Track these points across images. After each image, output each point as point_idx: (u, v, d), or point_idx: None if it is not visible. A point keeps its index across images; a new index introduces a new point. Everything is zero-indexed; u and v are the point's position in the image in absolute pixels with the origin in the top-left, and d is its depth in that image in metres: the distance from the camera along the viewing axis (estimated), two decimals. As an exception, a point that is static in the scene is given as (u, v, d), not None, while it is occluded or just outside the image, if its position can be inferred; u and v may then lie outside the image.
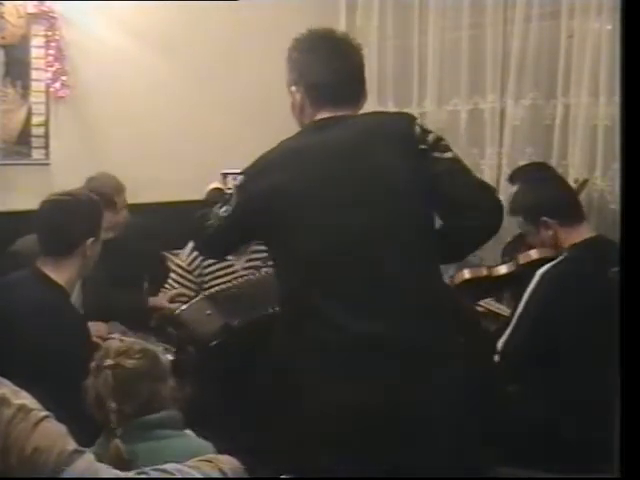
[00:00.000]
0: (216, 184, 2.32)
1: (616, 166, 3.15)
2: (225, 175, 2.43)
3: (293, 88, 1.94)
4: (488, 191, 1.91)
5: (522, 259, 2.73)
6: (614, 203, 3.19)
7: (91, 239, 2.27)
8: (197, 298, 2.99)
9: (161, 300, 3.13)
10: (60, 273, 2.23)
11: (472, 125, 3.74)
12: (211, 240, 1.97)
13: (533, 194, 2.64)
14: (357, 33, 4.14)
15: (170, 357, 2.27)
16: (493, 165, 3.65)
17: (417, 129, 1.84)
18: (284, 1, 4.00)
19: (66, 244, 2.25)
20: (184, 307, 2.92)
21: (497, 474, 2.21)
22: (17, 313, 2.13)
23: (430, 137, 1.84)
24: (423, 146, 1.82)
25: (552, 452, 2.23)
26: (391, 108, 4.00)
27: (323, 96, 1.89)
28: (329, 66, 1.90)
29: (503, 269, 2.82)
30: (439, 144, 1.85)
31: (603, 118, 3.21)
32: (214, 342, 2.80)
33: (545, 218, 2.51)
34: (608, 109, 3.18)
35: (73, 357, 2.10)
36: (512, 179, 3.28)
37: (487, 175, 3.67)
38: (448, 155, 1.84)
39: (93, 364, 1.75)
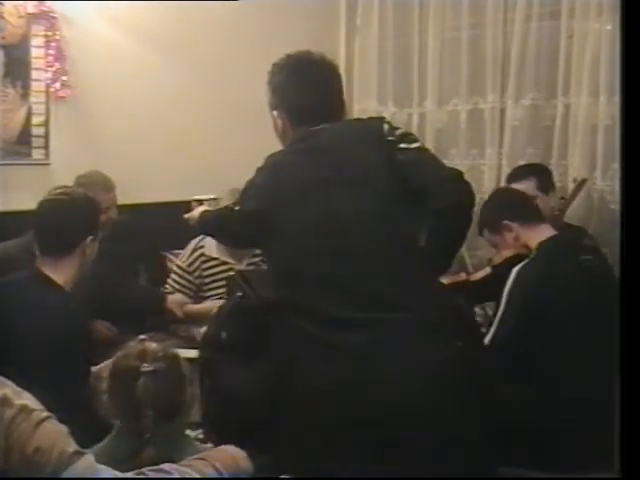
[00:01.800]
0: (204, 207, 2.51)
1: (616, 166, 3.15)
2: (200, 201, 2.52)
3: (275, 112, 2.05)
4: (455, 174, 1.95)
5: (496, 260, 2.83)
6: (614, 203, 3.19)
7: (90, 237, 2.28)
8: (213, 285, 3.02)
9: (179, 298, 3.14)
10: (60, 273, 2.23)
11: (472, 125, 3.74)
12: (231, 231, 2.15)
13: (490, 205, 2.81)
14: (357, 33, 4.16)
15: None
16: (493, 165, 3.65)
17: (385, 126, 1.95)
18: (285, 1, 4.00)
19: (66, 244, 2.25)
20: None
21: (497, 474, 2.21)
22: (18, 314, 2.13)
23: (398, 132, 1.94)
24: (390, 138, 1.92)
25: (552, 452, 2.23)
26: (391, 108, 4.01)
27: (304, 118, 2.00)
28: (308, 89, 2.01)
29: (480, 273, 2.96)
30: (406, 137, 1.95)
31: (603, 118, 3.21)
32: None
33: (506, 221, 2.63)
34: (608, 109, 3.18)
35: (75, 357, 2.11)
36: (509, 180, 3.29)
37: (487, 175, 3.68)
38: (415, 145, 1.93)
39: (120, 366, 1.68)
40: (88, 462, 1.38)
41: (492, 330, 2.46)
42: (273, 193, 1.93)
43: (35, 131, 3.50)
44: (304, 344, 1.82)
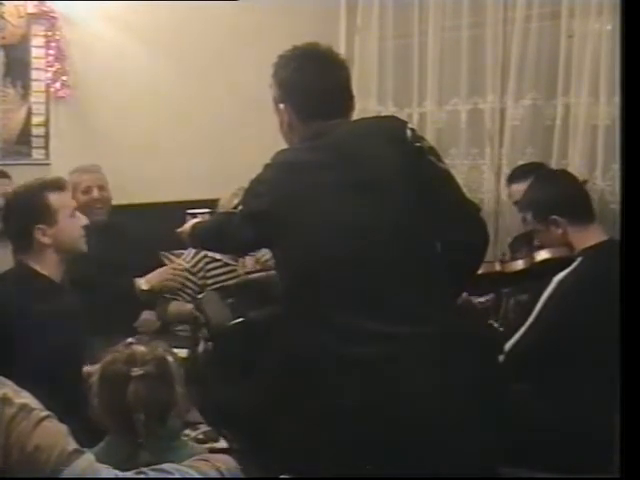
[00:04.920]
0: (198, 219, 2.43)
1: (616, 166, 3.15)
2: (194, 215, 2.51)
3: (281, 105, 1.96)
4: (477, 209, 1.97)
5: (537, 257, 2.66)
6: (614, 203, 3.19)
7: (40, 226, 2.25)
8: (215, 287, 3.00)
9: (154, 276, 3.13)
10: (41, 263, 2.26)
11: (472, 125, 3.74)
12: (231, 235, 2.01)
13: (544, 190, 2.58)
14: (357, 33, 4.16)
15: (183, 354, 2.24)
16: (493, 165, 3.65)
17: (409, 131, 1.87)
18: (285, 1, 4.00)
19: (19, 237, 2.28)
20: (205, 293, 2.89)
21: (497, 474, 2.21)
22: (8, 310, 2.15)
23: (424, 142, 1.89)
24: (418, 144, 1.86)
25: (552, 452, 2.23)
26: (391, 108, 4.00)
27: (313, 112, 1.92)
28: (317, 82, 1.93)
29: (518, 265, 2.75)
30: (434, 151, 1.90)
31: (603, 118, 3.21)
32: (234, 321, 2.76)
33: (555, 216, 2.46)
34: (608, 109, 3.18)
35: (61, 346, 2.12)
36: (510, 180, 3.29)
37: (487, 175, 3.68)
38: (443, 166, 1.90)
39: (109, 371, 1.67)
40: (88, 461, 1.38)
41: (516, 336, 2.40)
42: (287, 192, 1.82)
43: (35, 131, 3.50)
44: (317, 356, 1.76)
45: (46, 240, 2.25)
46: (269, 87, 2.02)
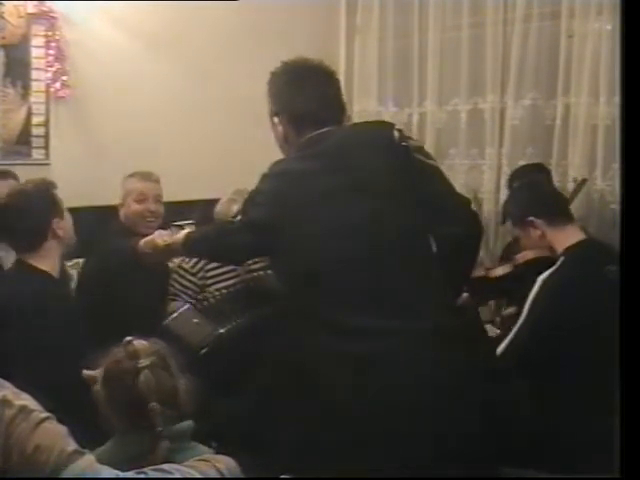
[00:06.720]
0: (188, 229, 2.41)
1: (616, 166, 3.15)
2: (181, 227, 2.50)
3: (276, 119, 2.03)
4: (468, 202, 2.00)
5: (519, 260, 2.76)
6: (614, 203, 3.19)
7: (55, 220, 2.30)
8: (184, 307, 2.97)
9: None
10: (43, 259, 2.27)
11: (472, 125, 3.74)
12: (231, 244, 2.04)
13: (518, 197, 2.71)
14: (357, 33, 4.16)
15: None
16: (493, 165, 3.66)
17: (396, 133, 1.93)
18: (285, 1, 4.00)
19: (34, 235, 2.28)
20: (171, 317, 2.89)
21: (497, 474, 2.21)
22: (8, 306, 2.16)
23: (412, 141, 1.95)
24: (404, 144, 1.91)
25: (552, 452, 2.23)
26: (391, 108, 4.02)
27: (307, 124, 1.98)
28: (309, 94, 2.00)
29: (500, 270, 2.85)
30: (422, 150, 1.95)
31: (603, 118, 3.22)
32: (204, 350, 2.78)
33: (531, 218, 2.52)
34: (608, 109, 3.19)
35: (60, 339, 2.12)
36: (511, 181, 3.30)
37: (487, 175, 3.68)
38: (432, 162, 1.94)
39: (115, 371, 1.68)
40: (88, 461, 1.38)
41: (507, 339, 2.41)
42: (285, 200, 1.88)
43: (35, 131, 3.50)
44: (319, 356, 1.79)
45: (61, 232, 2.30)
46: (267, 102, 2.06)
